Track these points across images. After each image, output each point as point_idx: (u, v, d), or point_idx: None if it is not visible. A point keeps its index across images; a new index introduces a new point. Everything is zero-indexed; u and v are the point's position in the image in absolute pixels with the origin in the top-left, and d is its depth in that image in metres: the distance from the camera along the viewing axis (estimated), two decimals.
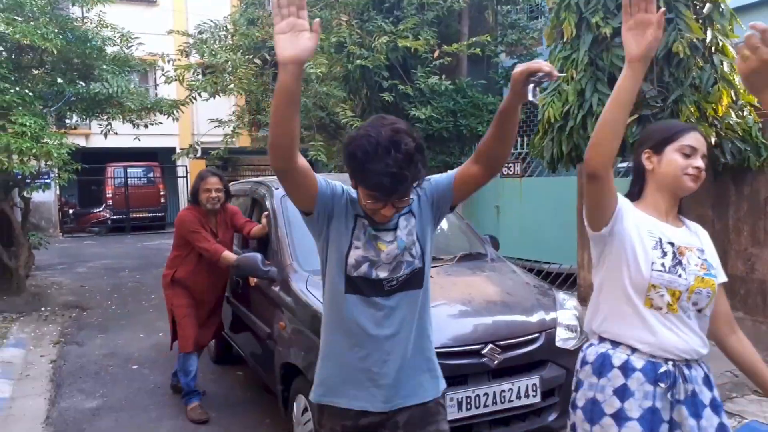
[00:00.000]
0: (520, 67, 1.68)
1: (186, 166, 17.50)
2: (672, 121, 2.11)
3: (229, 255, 4.16)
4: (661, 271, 1.87)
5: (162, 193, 18.88)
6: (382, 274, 1.89)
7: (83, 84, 8.15)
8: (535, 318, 3.42)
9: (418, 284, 1.96)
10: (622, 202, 1.95)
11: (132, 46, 8.51)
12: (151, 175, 19.05)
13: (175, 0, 18.95)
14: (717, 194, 5.39)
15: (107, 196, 18.40)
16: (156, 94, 12.27)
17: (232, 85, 8.08)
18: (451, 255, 4.12)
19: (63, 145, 7.11)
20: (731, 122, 4.71)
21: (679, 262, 1.91)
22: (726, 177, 5.26)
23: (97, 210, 18.58)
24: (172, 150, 15.70)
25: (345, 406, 1.95)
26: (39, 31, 7.03)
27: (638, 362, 1.89)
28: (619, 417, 1.86)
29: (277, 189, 4.46)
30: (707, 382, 1.96)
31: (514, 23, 9.23)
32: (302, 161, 1.75)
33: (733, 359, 2.06)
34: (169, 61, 8.90)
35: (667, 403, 1.88)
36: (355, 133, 1.78)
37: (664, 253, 1.90)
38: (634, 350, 1.91)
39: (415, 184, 1.76)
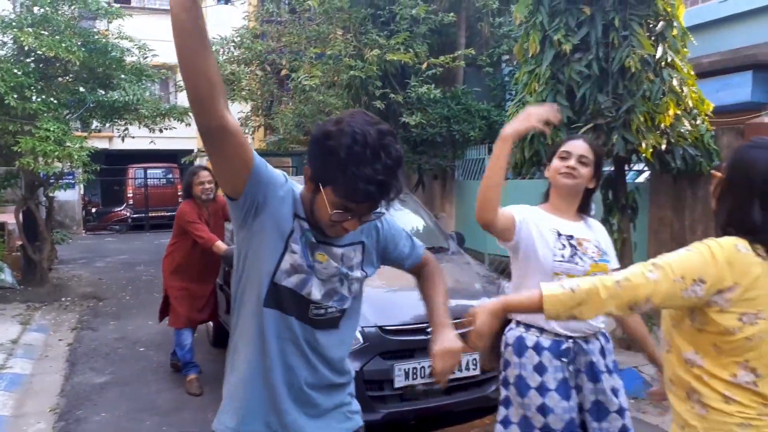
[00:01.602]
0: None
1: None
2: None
3: (220, 244, 4.71)
4: (561, 261, 2.35)
5: (179, 193, 19.56)
6: (315, 294, 1.62)
7: (103, 92, 8.75)
8: (476, 303, 3.88)
9: (333, 325, 1.70)
10: (520, 214, 2.37)
11: (147, 57, 9.11)
12: (169, 176, 19.79)
13: None
14: (675, 198, 5.80)
15: (128, 195, 19.17)
16: (176, 101, 12.92)
17: (236, 95, 8.66)
18: None
19: (83, 148, 7.69)
20: (682, 130, 5.12)
21: (576, 252, 2.39)
22: (683, 182, 5.68)
23: (119, 209, 19.34)
24: (191, 152, 16.41)
25: None
26: (63, 44, 7.54)
27: (546, 342, 2.34)
28: (542, 389, 2.31)
29: None
30: (602, 352, 2.44)
31: (507, 34, 9.66)
32: (233, 122, 1.42)
33: (628, 333, 2.51)
34: None
35: (571, 373, 2.37)
36: (335, 127, 1.49)
37: (563, 246, 2.38)
38: (542, 331, 2.38)
39: (395, 198, 1.55)
